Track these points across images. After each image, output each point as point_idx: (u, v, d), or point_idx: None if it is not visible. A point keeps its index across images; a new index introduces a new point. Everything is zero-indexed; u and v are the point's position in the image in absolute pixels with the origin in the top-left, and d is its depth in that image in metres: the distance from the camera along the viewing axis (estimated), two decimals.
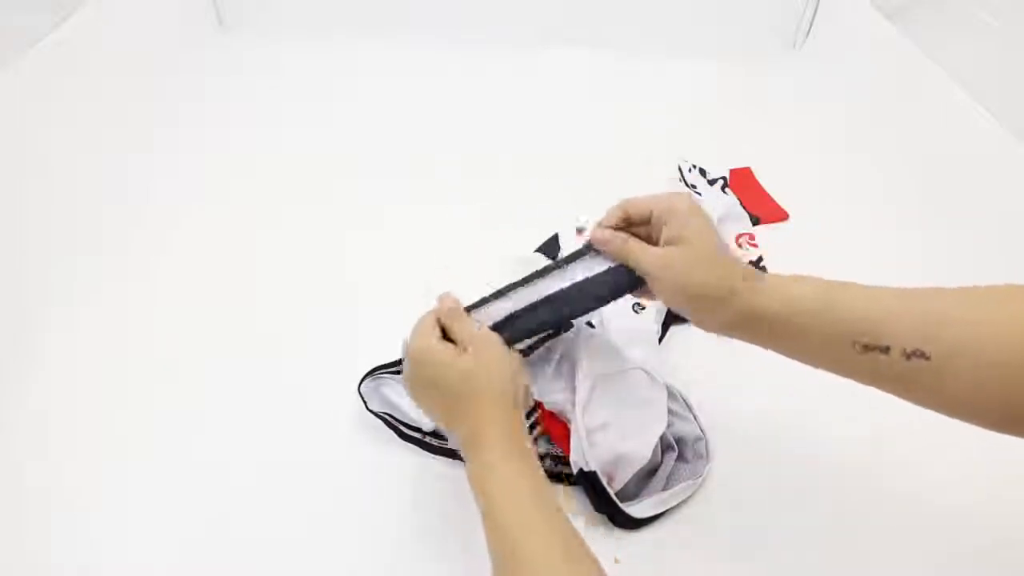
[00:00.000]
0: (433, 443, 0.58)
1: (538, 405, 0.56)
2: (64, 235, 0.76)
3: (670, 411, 0.58)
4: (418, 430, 0.58)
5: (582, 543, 0.41)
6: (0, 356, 0.64)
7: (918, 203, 0.84)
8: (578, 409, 0.53)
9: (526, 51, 1.12)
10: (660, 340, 0.67)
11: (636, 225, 0.49)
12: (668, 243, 0.46)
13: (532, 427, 0.56)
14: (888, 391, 0.42)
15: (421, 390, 0.49)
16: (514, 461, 0.44)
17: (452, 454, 0.57)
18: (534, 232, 0.76)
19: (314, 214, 0.82)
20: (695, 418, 0.59)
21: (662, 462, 0.56)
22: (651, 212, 0.48)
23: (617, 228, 0.49)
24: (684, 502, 0.55)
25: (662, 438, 0.55)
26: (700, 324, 0.48)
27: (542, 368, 0.56)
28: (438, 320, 0.49)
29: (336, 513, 0.54)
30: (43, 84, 0.85)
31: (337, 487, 0.56)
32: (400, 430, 0.58)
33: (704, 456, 0.57)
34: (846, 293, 0.43)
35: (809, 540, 0.53)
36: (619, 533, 0.53)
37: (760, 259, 0.77)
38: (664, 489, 0.54)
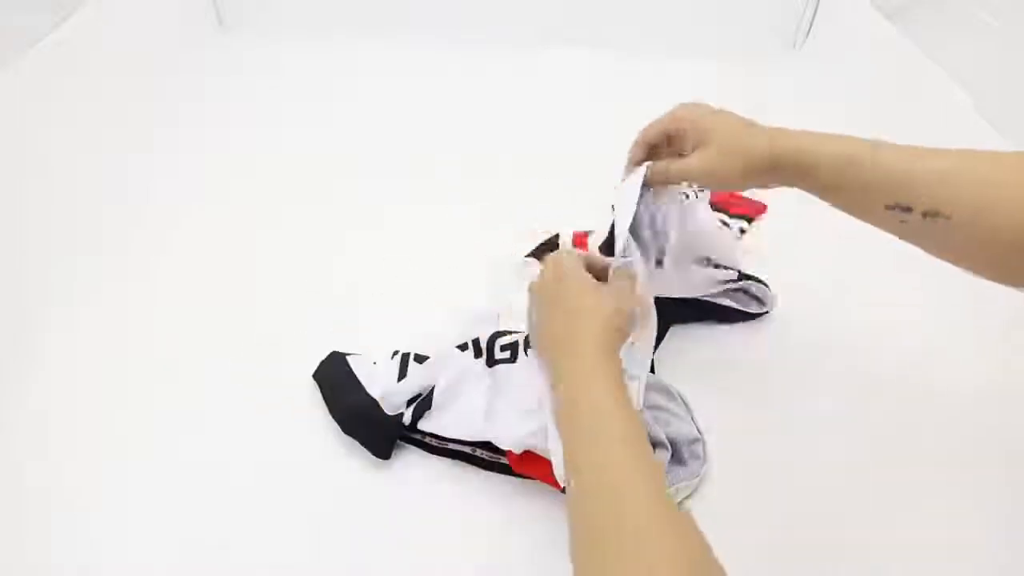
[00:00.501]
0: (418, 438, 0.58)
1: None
2: (64, 235, 0.76)
3: (667, 411, 0.58)
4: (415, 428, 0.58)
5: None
6: (0, 356, 0.64)
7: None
8: (551, 428, 0.52)
9: (526, 51, 1.12)
10: (658, 343, 0.67)
11: (658, 148, 0.55)
12: (697, 147, 0.52)
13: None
14: (907, 241, 0.47)
15: (551, 308, 0.50)
16: (621, 398, 0.44)
17: (435, 450, 0.57)
18: (534, 232, 0.76)
19: (314, 214, 0.82)
20: (692, 419, 0.59)
21: None
22: (666, 132, 0.54)
23: (640, 161, 0.56)
24: (680, 504, 0.55)
25: (652, 434, 0.55)
26: (752, 183, 0.53)
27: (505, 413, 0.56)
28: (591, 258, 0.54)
29: (337, 513, 0.54)
30: (43, 84, 0.85)
31: (338, 487, 0.56)
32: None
33: (701, 457, 0.56)
34: (875, 155, 0.47)
35: (807, 542, 0.53)
36: None
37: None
38: None
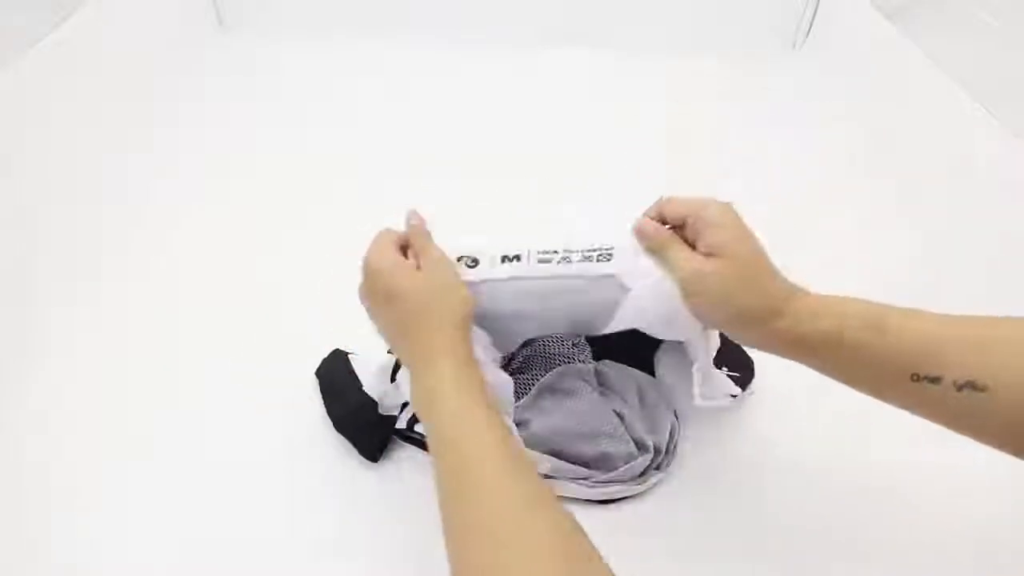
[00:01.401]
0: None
1: None
2: (64, 235, 0.76)
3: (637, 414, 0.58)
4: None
5: (546, 488, 0.38)
6: (0, 356, 0.64)
7: (918, 203, 0.84)
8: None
9: (526, 51, 1.12)
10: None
11: (672, 223, 0.47)
12: (707, 253, 0.43)
13: None
14: (940, 423, 0.40)
15: (374, 305, 0.48)
16: (466, 387, 0.42)
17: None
18: (534, 232, 0.76)
19: (314, 214, 0.82)
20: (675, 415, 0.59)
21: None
22: (686, 216, 0.45)
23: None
24: (652, 500, 0.55)
25: (636, 435, 0.55)
26: (738, 340, 0.47)
27: None
28: (400, 238, 0.50)
29: (338, 513, 0.54)
30: (43, 84, 0.85)
31: (338, 487, 0.56)
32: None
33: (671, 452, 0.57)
34: (899, 320, 0.40)
35: (787, 545, 0.53)
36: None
37: None
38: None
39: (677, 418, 0.59)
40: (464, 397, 0.41)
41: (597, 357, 0.62)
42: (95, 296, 0.71)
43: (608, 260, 0.48)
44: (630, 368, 0.62)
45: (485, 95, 1.07)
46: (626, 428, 0.56)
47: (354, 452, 0.57)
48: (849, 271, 0.75)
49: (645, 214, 0.48)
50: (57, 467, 0.57)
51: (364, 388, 0.59)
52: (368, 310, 0.49)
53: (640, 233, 0.47)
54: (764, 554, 0.52)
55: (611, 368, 0.62)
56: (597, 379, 0.60)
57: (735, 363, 0.59)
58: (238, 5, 1.19)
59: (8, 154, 0.76)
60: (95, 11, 0.96)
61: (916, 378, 0.38)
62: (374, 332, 0.65)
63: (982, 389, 0.36)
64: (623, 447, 0.54)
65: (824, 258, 0.77)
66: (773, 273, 0.44)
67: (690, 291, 0.44)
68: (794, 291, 0.44)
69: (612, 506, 0.54)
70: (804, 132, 1.00)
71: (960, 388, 0.37)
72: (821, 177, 0.91)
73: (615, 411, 0.57)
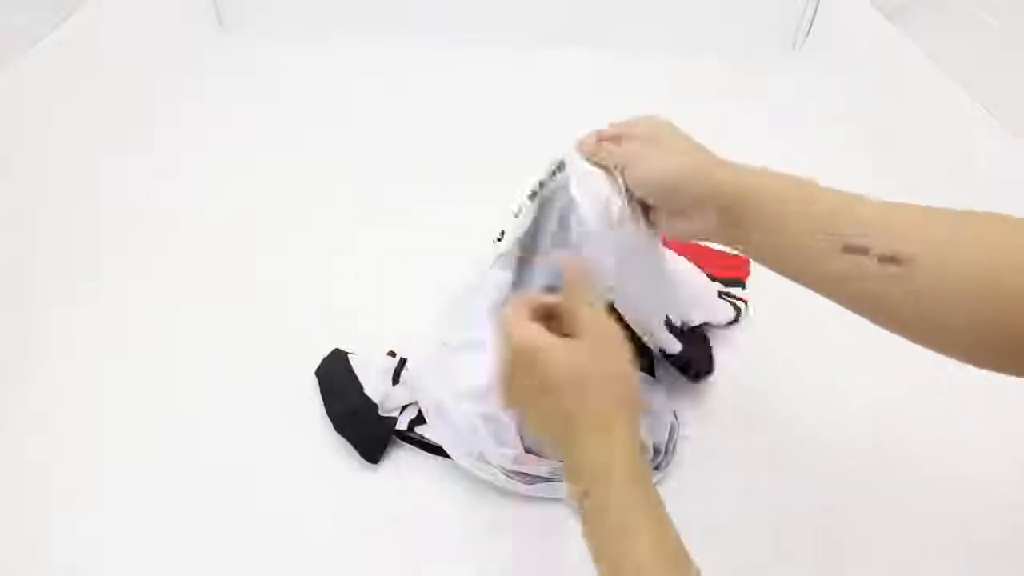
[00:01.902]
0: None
1: None
2: (64, 235, 0.76)
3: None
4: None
5: None
6: (0, 356, 0.64)
7: (919, 202, 0.84)
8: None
9: (526, 51, 1.12)
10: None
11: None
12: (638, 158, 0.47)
13: None
14: (856, 307, 0.40)
15: (525, 401, 0.41)
16: (649, 498, 0.37)
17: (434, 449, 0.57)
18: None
19: (314, 214, 0.82)
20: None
21: None
22: (620, 133, 0.49)
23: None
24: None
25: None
26: (672, 223, 0.47)
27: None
28: (534, 303, 0.42)
29: (338, 514, 0.54)
30: (43, 84, 0.85)
31: (337, 487, 0.56)
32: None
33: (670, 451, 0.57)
34: (827, 194, 0.42)
35: (788, 541, 0.53)
36: None
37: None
38: None
39: (677, 418, 0.59)
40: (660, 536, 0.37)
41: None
42: (95, 296, 0.71)
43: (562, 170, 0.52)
44: None
45: (485, 95, 1.06)
46: None
47: (353, 451, 0.57)
48: None
49: (578, 146, 0.52)
50: (57, 467, 0.57)
51: (365, 390, 0.59)
52: (516, 408, 0.44)
53: (581, 145, 0.51)
54: (764, 554, 0.52)
55: None
56: None
57: (697, 360, 0.60)
58: (238, 5, 1.19)
59: (8, 154, 0.76)
60: (95, 11, 0.96)
61: (847, 249, 0.38)
62: (373, 330, 0.65)
63: (901, 263, 0.36)
64: None
65: None
66: (703, 148, 0.47)
67: (625, 164, 0.47)
68: (722, 160, 0.46)
69: None
70: (804, 132, 1.00)
71: (883, 261, 0.37)
72: (821, 177, 0.91)
73: None
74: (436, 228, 0.80)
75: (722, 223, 0.44)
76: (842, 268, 0.39)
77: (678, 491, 0.56)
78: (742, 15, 1.18)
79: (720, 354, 0.65)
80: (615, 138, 0.49)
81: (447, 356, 0.58)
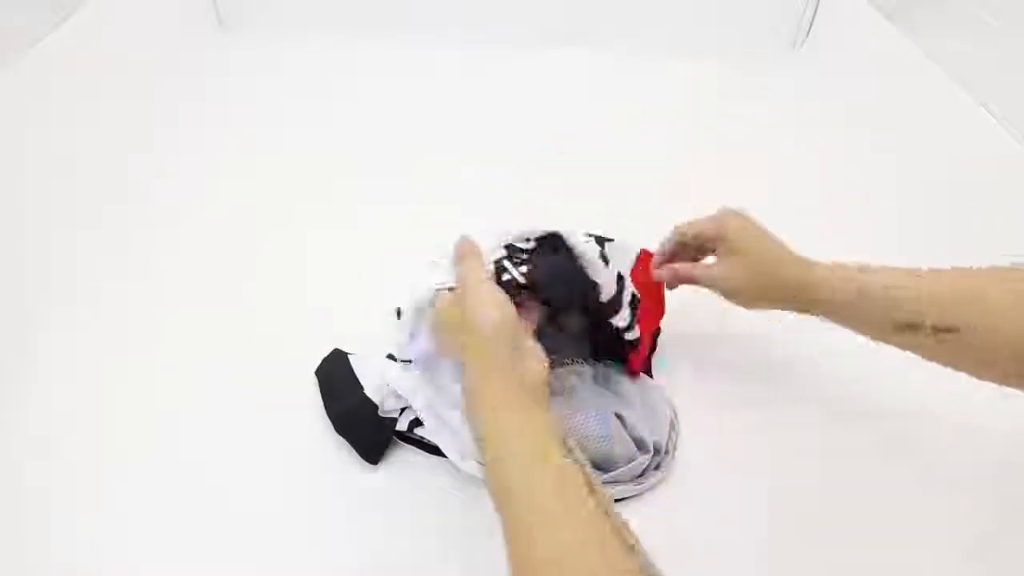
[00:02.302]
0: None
1: None
2: (64, 235, 0.76)
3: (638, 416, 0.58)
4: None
5: (620, 527, 0.35)
6: (0, 356, 0.64)
7: (919, 203, 0.84)
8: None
9: (526, 51, 1.12)
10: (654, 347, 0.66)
11: (690, 246, 0.58)
12: (726, 255, 0.55)
13: None
14: (926, 358, 0.49)
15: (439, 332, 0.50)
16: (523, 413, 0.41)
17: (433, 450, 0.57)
18: (533, 231, 0.76)
19: (314, 214, 0.82)
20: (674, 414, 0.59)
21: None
22: (703, 233, 0.56)
23: (674, 251, 0.59)
24: (652, 499, 0.55)
25: (636, 435, 0.55)
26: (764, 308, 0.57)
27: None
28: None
29: (336, 512, 0.54)
30: (43, 84, 0.85)
31: (337, 487, 0.56)
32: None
33: (669, 452, 0.57)
34: (877, 278, 0.50)
35: (785, 541, 0.53)
36: None
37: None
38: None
39: (677, 418, 0.59)
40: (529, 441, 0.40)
41: (597, 357, 0.62)
42: (95, 296, 0.71)
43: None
44: None
45: (485, 95, 1.07)
46: (626, 428, 0.56)
47: (353, 451, 0.57)
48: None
49: (663, 250, 0.60)
50: (57, 467, 0.57)
51: (365, 390, 0.59)
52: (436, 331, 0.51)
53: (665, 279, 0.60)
54: (765, 554, 0.52)
55: (611, 368, 0.62)
56: (597, 380, 0.60)
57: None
58: (238, 5, 1.19)
59: (8, 154, 0.76)
60: (95, 11, 0.96)
61: (900, 328, 0.48)
62: (373, 331, 0.65)
63: (955, 331, 0.45)
64: (623, 448, 0.54)
65: (823, 257, 0.76)
66: (787, 253, 0.55)
67: (725, 289, 0.56)
68: (807, 269, 0.54)
69: None
70: (804, 132, 1.00)
71: (937, 332, 0.46)
72: (821, 177, 0.91)
73: (615, 412, 0.57)
74: (437, 228, 0.79)
75: (789, 308, 0.55)
76: (901, 340, 0.49)
77: (678, 491, 0.56)
78: (742, 15, 1.18)
79: (721, 354, 0.65)
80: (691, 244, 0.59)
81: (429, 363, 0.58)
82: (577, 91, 1.08)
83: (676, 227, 0.58)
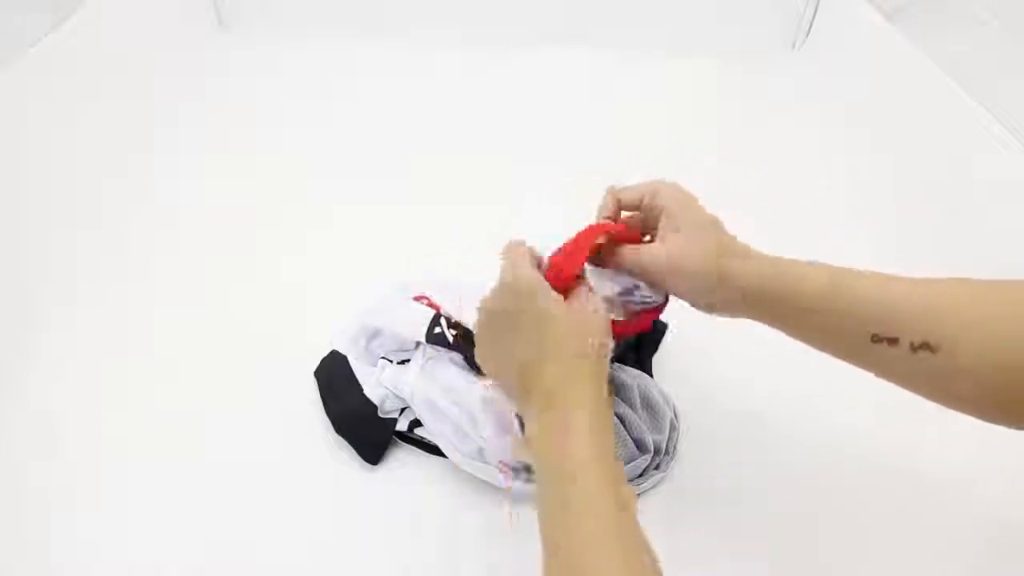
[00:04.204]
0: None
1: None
2: (64, 235, 0.76)
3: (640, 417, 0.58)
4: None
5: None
6: (0, 356, 0.64)
7: (919, 203, 0.84)
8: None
9: (526, 51, 1.12)
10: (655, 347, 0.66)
11: (627, 210, 0.51)
12: (663, 236, 0.46)
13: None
14: (895, 383, 0.42)
15: (499, 329, 0.44)
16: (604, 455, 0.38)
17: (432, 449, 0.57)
18: (534, 231, 0.76)
19: (314, 214, 0.82)
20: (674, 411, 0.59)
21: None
22: (641, 199, 0.49)
23: (610, 216, 0.50)
24: (652, 499, 0.55)
25: (636, 436, 0.55)
26: (704, 308, 0.47)
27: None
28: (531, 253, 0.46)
29: (336, 513, 0.54)
30: (43, 84, 0.85)
31: (337, 487, 0.56)
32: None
33: (670, 453, 0.57)
34: (856, 281, 0.41)
35: (785, 539, 0.53)
36: None
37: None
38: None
39: (677, 418, 0.59)
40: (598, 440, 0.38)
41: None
42: (95, 296, 0.71)
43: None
44: (630, 368, 0.62)
45: (485, 95, 1.07)
46: (626, 429, 0.56)
47: (353, 452, 0.57)
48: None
49: (600, 212, 0.51)
50: (57, 467, 0.57)
51: (365, 391, 0.59)
52: (489, 335, 0.46)
53: (601, 211, 0.51)
54: (765, 554, 0.52)
55: (611, 369, 0.62)
56: None
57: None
58: (238, 5, 1.19)
59: (8, 154, 0.76)
60: (95, 11, 0.96)
61: (876, 339, 0.39)
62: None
63: (935, 350, 0.37)
64: (623, 448, 0.54)
65: (823, 257, 0.76)
66: (715, 234, 0.45)
67: (674, 258, 0.45)
68: (748, 253, 0.45)
69: None
70: (804, 132, 1.00)
71: (916, 349, 0.38)
72: (820, 177, 0.91)
73: (615, 412, 0.57)
74: (439, 228, 0.80)
75: (750, 314, 0.46)
76: (876, 355, 0.40)
77: (678, 491, 0.56)
78: (742, 15, 1.18)
79: (722, 354, 0.65)
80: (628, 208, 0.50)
81: (420, 359, 0.59)
82: (577, 91, 1.08)
83: (609, 189, 0.52)
